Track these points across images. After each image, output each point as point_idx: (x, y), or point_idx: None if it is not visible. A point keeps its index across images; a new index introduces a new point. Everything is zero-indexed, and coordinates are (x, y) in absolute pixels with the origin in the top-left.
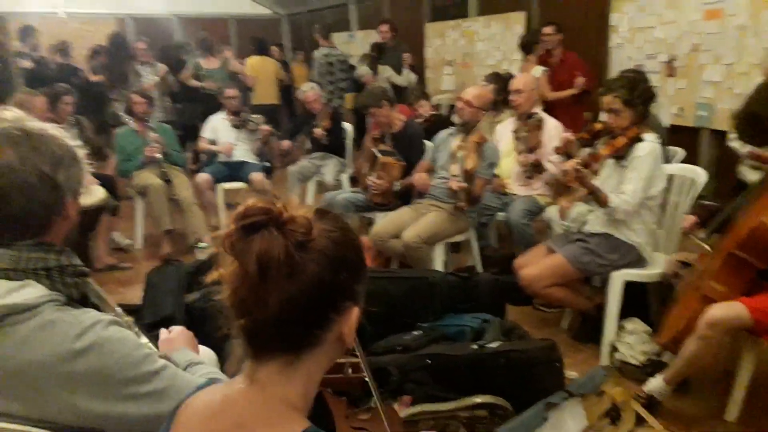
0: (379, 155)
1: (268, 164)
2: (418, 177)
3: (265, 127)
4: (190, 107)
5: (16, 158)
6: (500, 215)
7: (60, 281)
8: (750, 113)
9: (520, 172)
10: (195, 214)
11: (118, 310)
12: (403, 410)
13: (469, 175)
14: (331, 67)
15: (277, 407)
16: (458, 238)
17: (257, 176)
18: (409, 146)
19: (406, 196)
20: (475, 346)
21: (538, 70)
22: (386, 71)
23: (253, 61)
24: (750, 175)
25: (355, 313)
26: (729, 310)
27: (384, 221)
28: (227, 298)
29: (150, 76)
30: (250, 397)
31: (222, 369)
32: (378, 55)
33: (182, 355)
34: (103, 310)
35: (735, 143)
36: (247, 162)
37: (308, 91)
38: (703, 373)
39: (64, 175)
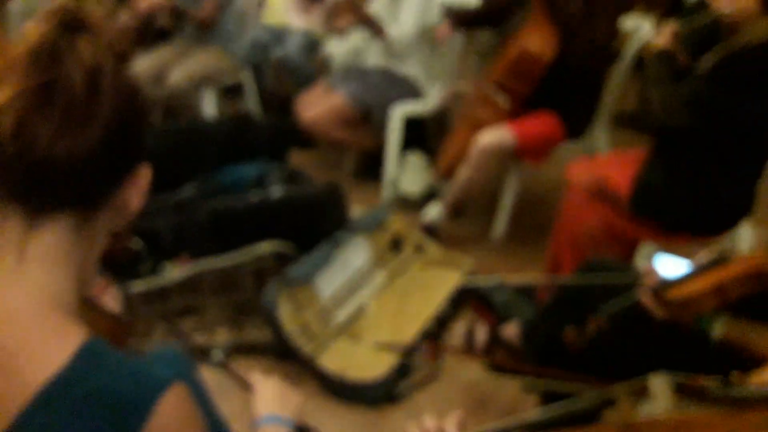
0: None
1: None
2: None
3: None
4: None
5: None
6: (276, 53)
7: None
8: None
9: None
10: None
11: None
12: (183, 269)
13: None
14: None
15: (46, 310)
16: (231, 80)
17: None
18: None
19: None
20: (255, 196)
21: None
22: None
23: None
24: None
25: (146, 174)
26: (495, 135)
27: (141, 62)
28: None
29: None
30: (13, 294)
31: None
32: None
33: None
34: None
35: None
36: None
37: None
38: (477, 198)
39: None
